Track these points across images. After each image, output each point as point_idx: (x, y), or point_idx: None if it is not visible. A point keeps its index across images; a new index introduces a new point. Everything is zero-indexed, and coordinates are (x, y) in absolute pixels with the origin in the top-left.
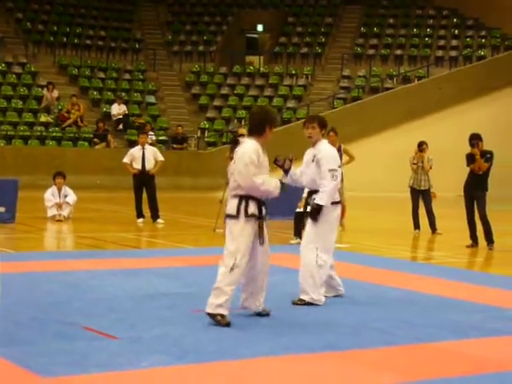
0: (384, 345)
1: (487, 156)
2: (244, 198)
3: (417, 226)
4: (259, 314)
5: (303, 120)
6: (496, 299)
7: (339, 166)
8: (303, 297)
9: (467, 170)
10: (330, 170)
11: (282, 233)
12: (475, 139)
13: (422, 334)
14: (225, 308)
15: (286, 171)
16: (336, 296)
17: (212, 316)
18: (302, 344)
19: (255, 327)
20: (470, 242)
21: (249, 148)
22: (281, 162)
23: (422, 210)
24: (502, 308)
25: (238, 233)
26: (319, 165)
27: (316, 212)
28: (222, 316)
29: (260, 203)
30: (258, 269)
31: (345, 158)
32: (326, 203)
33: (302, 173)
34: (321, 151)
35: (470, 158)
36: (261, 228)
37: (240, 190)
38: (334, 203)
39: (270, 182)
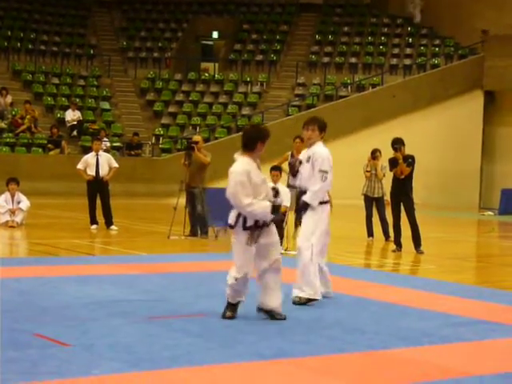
0: (335, 352)
1: (409, 160)
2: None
3: (370, 233)
4: (272, 315)
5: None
6: (446, 306)
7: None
8: (301, 294)
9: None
10: (321, 171)
11: None
12: (398, 143)
13: (373, 342)
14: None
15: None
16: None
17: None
18: (254, 351)
19: (210, 334)
20: (395, 246)
21: (237, 168)
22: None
23: (375, 218)
24: (451, 315)
25: (238, 244)
26: (313, 166)
27: (302, 209)
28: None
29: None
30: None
31: None
32: (311, 202)
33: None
34: (315, 153)
35: (393, 163)
36: (252, 235)
37: None
38: (323, 203)
39: (259, 205)
